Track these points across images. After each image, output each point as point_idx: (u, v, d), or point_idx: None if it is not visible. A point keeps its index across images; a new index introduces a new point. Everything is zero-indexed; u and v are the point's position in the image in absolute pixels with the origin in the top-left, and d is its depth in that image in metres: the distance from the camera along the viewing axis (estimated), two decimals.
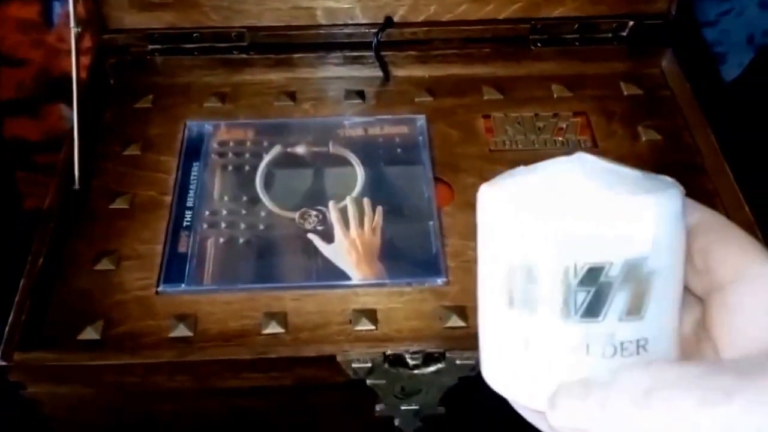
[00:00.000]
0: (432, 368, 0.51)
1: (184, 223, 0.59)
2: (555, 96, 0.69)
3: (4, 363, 0.49)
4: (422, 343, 0.51)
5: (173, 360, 0.51)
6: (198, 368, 0.51)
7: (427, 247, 0.58)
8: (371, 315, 0.54)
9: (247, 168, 0.64)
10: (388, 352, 0.50)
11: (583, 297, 0.26)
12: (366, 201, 0.61)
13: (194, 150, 0.65)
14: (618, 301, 0.26)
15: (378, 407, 0.54)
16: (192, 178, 0.63)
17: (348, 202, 0.61)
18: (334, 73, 0.71)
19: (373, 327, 0.53)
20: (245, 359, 0.51)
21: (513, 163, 0.60)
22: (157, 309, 0.54)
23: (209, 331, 0.53)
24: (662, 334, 0.27)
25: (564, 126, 0.66)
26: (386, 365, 0.50)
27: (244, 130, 0.67)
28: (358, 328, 0.53)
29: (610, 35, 0.72)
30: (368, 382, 0.51)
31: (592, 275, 0.26)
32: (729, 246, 0.27)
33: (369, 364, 0.50)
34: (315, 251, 0.58)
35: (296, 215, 0.60)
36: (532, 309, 0.27)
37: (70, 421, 0.56)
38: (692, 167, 0.64)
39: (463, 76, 0.71)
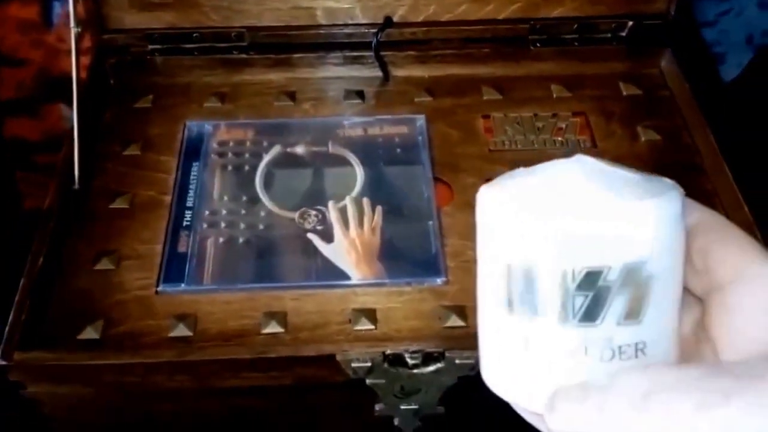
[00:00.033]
0: (431, 368, 0.51)
1: (184, 223, 0.59)
2: (554, 96, 0.69)
3: (4, 362, 0.49)
4: (422, 343, 0.51)
5: (173, 360, 0.51)
6: (198, 368, 0.51)
7: (427, 246, 0.58)
8: (371, 314, 0.54)
9: (246, 168, 0.64)
10: (388, 351, 0.50)
11: (581, 301, 0.26)
12: (365, 201, 0.61)
13: (194, 150, 0.65)
14: (616, 306, 0.26)
15: (377, 407, 0.54)
16: (192, 178, 0.63)
17: (347, 201, 0.61)
18: (334, 73, 0.71)
19: (373, 326, 0.53)
20: (245, 359, 0.51)
21: (512, 162, 0.60)
22: (157, 309, 0.54)
23: (209, 331, 0.53)
24: (661, 337, 0.27)
25: (563, 126, 0.67)
26: (386, 365, 0.50)
27: (243, 130, 0.67)
28: (358, 327, 0.53)
29: (609, 35, 0.72)
30: (368, 381, 0.51)
31: (590, 279, 0.26)
32: (728, 246, 0.27)
33: (368, 364, 0.50)
34: (314, 251, 0.58)
35: (296, 215, 0.60)
36: (530, 312, 0.27)
37: (70, 421, 0.56)
38: (691, 167, 0.64)
39: (463, 76, 0.71)
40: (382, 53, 0.70)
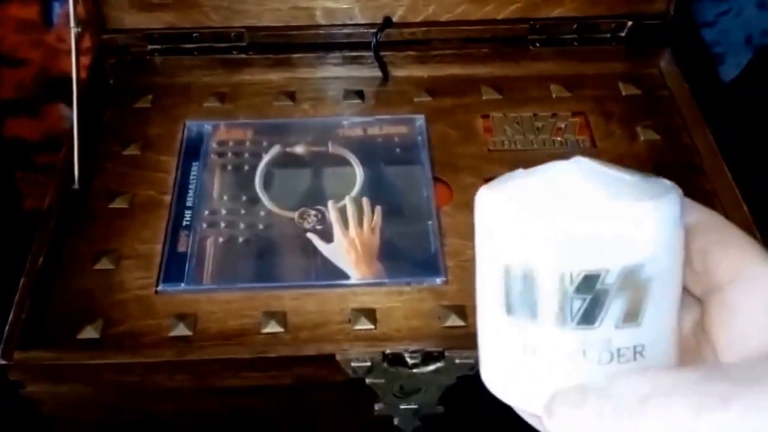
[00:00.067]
0: (431, 367, 0.51)
1: (184, 223, 0.59)
2: (554, 96, 0.69)
3: (4, 362, 0.49)
4: (421, 342, 0.51)
5: (173, 359, 0.51)
6: (197, 367, 0.52)
7: (426, 246, 0.58)
8: (370, 314, 0.54)
9: (246, 168, 0.64)
10: (387, 351, 0.50)
11: (579, 304, 0.26)
12: (365, 201, 0.61)
13: (194, 150, 0.65)
14: (614, 308, 0.26)
15: (377, 406, 0.54)
16: (191, 177, 0.63)
17: (347, 201, 0.61)
18: (334, 73, 0.71)
19: (372, 326, 0.53)
20: (245, 358, 0.51)
21: (512, 162, 0.61)
22: (157, 308, 0.54)
23: (209, 331, 0.53)
24: (660, 340, 0.27)
25: (563, 126, 0.67)
26: (385, 364, 0.50)
27: (243, 130, 0.67)
28: (358, 327, 0.53)
29: (608, 35, 0.73)
30: (367, 381, 0.51)
31: (589, 282, 0.25)
32: (728, 246, 0.27)
33: (368, 363, 0.50)
34: (314, 251, 0.58)
35: (295, 215, 0.60)
36: (529, 314, 0.26)
37: (69, 421, 0.56)
38: (690, 167, 0.64)
39: (462, 76, 0.71)
40: (382, 53, 0.70)
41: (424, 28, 0.71)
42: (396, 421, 0.55)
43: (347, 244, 0.58)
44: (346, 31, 0.71)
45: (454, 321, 0.53)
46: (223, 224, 0.60)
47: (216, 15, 0.70)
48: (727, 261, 0.26)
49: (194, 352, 0.52)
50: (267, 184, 0.63)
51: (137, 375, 0.51)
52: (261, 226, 0.60)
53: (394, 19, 0.71)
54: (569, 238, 0.25)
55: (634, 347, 0.26)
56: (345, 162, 0.64)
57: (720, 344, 0.26)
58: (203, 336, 0.53)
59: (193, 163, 0.64)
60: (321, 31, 0.71)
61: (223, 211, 0.61)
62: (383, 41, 0.70)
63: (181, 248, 0.58)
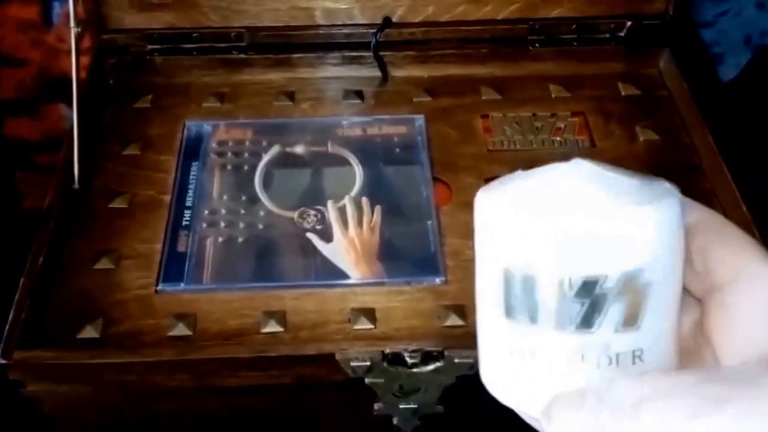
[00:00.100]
0: (430, 367, 0.51)
1: (184, 223, 0.59)
2: (553, 96, 0.69)
3: (4, 361, 0.49)
4: (421, 342, 0.51)
5: (173, 359, 0.51)
6: (197, 367, 0.52)
7: (426, 246, 0.58)
8: (370, 314, 0.54)
9: (246, 168, 0.64)
10: (387, 350, 0.50)
11: (578, 308, 0.26)
12: (365, 200, 0.61)
13: (193, 150, 0.65)
14: (613, 313, 0.26)
15: (376, 406, 0.54)
16: (191, 177, 0.63)
17: (347, 201, 0.61)
18: (333, 73, 0.72)
19: (372, 326, 0.53)
20: (244, 358, 0.51)
21: (511, 162, 0.61)
22: (157, 308, 0.54)
23: (208, 330, 0.53)
24: (659, 343, 0.27)
25: (562, 126, 0.67)
26: (385, 364, 0.50)
27: (243, 129, 0.67)
28: (357, 326, 0.53)
29: (607, 35, 0.73)
30: (367, 380, 0.51)
31: (588, 287, 0.25)
32: (727, 246, 0.27)
33: (368, 363, 0.50)
34: (314, 250, 0.58)
35: (295, 215, 0.60)
36: (528, 317, 0.26)
37: (69, 420, 0.56)
38: (690, 167, 0.64)
39: (462, 76, 0.71)
40: (381, 53, 0.71)
41: (423, 29, 0.71)
42: (395, 421, 0.55)
43: (347, 244, 0.58)
44: (345, 31, 0.71)
45: (453, 320, 0.53)
46: (222, 224, 0.60)
47: (215, 15, 0.70)
48: (726, 260, 0.26)
49: (194, 351, 0.52)
50: (266, 184, 0.63)
51: (137, 374, 0.52)
52: (261, 226, 0.60)
53: (394, 19, 0.71)
54: (569, 239, 0.25)
55: (633, 351, 0.26)
56: (344, 162, 0.64)
57: (719, 344, 0.26)
58: (203, 336, 0.53)
59: (193, 163, 0.64)
60: (321, 31, 0.71)
61: (223, 211, 0.61)
62: (383, 41, 0.70)
63: (180, 248, 0.58)
